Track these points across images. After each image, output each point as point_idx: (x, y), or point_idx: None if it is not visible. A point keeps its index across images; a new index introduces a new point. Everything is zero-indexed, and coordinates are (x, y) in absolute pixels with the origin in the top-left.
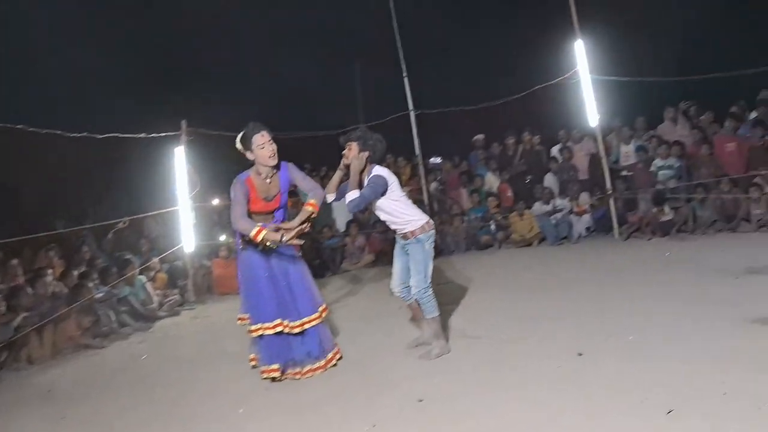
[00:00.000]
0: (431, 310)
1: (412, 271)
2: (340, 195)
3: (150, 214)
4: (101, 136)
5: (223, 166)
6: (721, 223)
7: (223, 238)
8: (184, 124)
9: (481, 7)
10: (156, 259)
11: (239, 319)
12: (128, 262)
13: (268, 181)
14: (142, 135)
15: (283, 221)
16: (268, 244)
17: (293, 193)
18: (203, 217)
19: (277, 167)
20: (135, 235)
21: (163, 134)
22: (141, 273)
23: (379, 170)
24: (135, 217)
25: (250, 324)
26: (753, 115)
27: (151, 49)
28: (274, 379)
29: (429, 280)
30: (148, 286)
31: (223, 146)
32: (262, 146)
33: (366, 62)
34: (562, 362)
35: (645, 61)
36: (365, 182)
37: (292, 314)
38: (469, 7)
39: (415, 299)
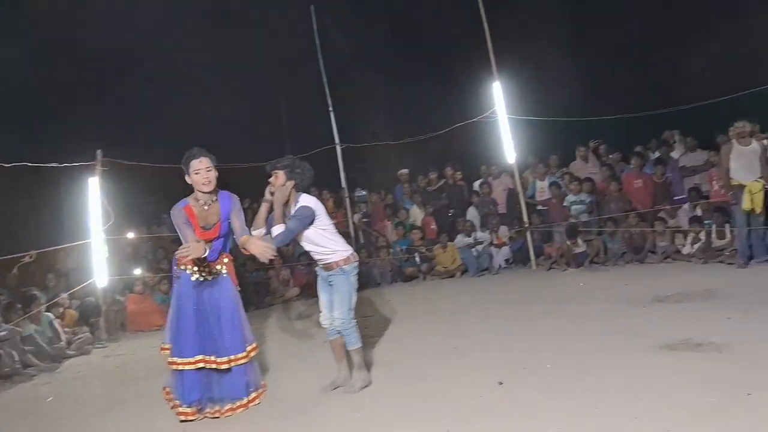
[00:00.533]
0: (354, 342)
1: (335, 303)
2: (269, 227)
3: (60, 247)
4: (9, 165)
5: (139, 198)
6: (630, 255)
7: (138, 272)
8: (99, 153)
9: (406, 47)
10: (65, 295)
11: (162, 348)
12: (34, 297)
13: (206, 208)
14: (54, 164)
15: (221, 251)
16: (196, 272)
17: None
18: (117, 251)
19: (216, 195)
20: (43, 269)
21: (77, 164)
22: (48, 309)
23: (306, 200)
24: (43, 250)
25: (171, 356)
26: (656, 154)
27: (66, 76)
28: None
29: (353, 312)
30: (56, 323)
31: (139, 178)
32: (197, 172)
33: (292, 96)
34: (484, 392)
35: (558, 102)
36: (291, 212)
37: (219, 350)
38: (395, 47)
39: (340, 335)
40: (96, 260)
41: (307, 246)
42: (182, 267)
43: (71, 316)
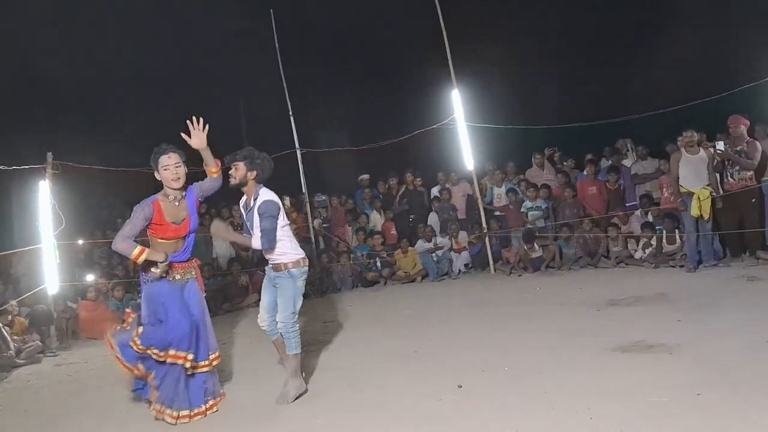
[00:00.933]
0: (294, 347)
1: (279, 307)
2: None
3: (9, 252)
4: None
5: (92, 202)
6: (585, 260)
7: (90, 278)
8: (50, 156)
9: (366, 54)
10: (14, 302)
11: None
12: None
13: (176, 204)
14: (2, 167)
15: (192, 250)
16: (153, 270)
17: None
18: (69, 256)
19: (185, 192)
20: None
21: (26, 167)
22: None
23: (267, 194)
24: None
25: (155, 349)
26: (609, 162)
27: (13, 75)
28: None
29: (296, 317)
30: (4, 331)
31: (92, 181)
32: (166, 167)
33: (251, 100)
34: (443, 395)
35: (515, 110)
36: (251, 204)
37: (200, 353)
38: (355, 53)
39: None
40: (47, 266)
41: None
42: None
43: (20, 324)
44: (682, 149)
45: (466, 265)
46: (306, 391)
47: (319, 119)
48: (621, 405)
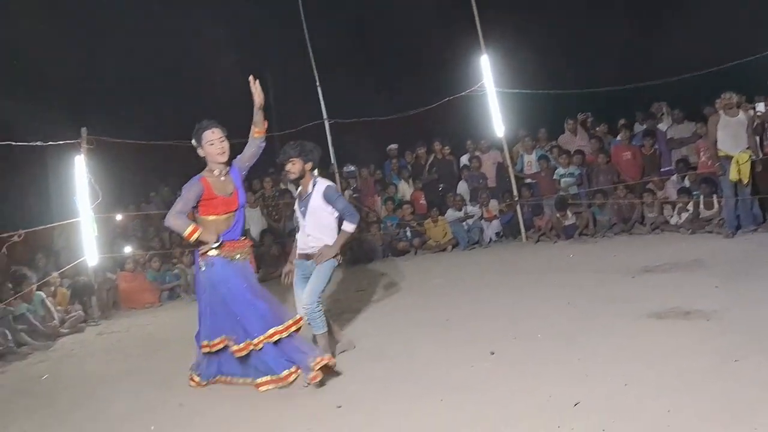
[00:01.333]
0: (320, 327)
1: (309, 286)
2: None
3: (48, 226)
4: None
5: (126, 176)
6: (619, 226)
7: (128, 250)
8: (84, 131)
9: (392, 22)
10: (56, 274)
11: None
12: (24, 277)
13: (222, 178)
14: (38, 143)
15: (243, 227)
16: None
17: None
18: (106, 229)
19: (229, 166)
20: (32, 249)
21: (62, 142)
22: (39, 289)
23: (325, 181)
24: (31, 230)
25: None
26: (644, 126)
27: (48, 53)
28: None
29: (320, 299)
30: (48, 302)
31: (126, 156)
32: (212, 142)
33: (279, 71)
34: (475, 362)
35: (546, 74)
36: (309, 191)
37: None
38: (381, 21)
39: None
40: (86, 239)
41: (313, 228)
42: (212, 254)
43: (63, 295)
44: (721, 112)
45: (497, 234)
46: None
47: (347, 89)
48: (656, 371)
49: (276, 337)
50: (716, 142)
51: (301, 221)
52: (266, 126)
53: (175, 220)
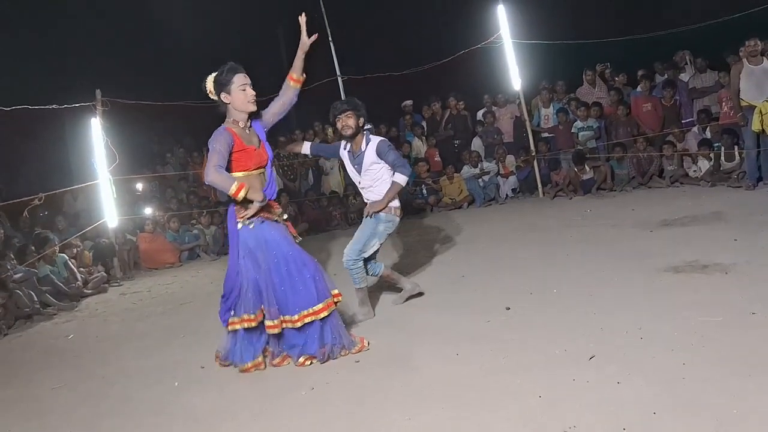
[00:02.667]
0: (358, 282)
1: (353, 239)
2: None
3: (67, 189)
4: (9, 108)
5: (143, 138)
6: (638, 180)
7: (147, 211)
8: (98, 93)
9: None
10: (77, 236)
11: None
12: (47, 239)
13: (247, 131)
14: (53, 106)
15: (276, 185)
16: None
17: None
18: (124, 192)
19: (249, 119)
20: (53, 212)
21: (77, 105)
22: (62, 251)
23: (376, 137)
24: (51, 192)
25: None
26: (665, 76)
27: (60, 16)
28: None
29: (362, 256)
30: (71, 263)
31: (141, 117)
32: (243, 87)
33: (291, 27)
34: (491, 317)
35: (564, 24)
36: (363, 148)
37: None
38: None
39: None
40: (105, 201)
41: (367, 180)
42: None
43: (85, 257)
44: (744, 60)
45: (513, 190)
46: (373, 316)
47: (360, 45)
48: (672, 324)
49: (314, 317)
50: (739, 91)
51: (356, 179)
52: (304, 77)
53: (217, 175)
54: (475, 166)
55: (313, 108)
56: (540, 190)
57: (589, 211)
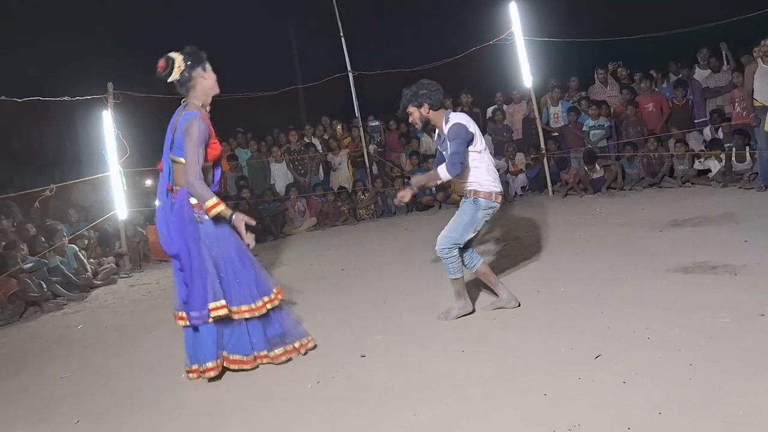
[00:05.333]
0: (453, 272)
1: (447, 226)
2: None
3: (78, 180)
4: (21, 100)
5: (153, 130)
6: (648, 180)
7: (157, 203)
8: (110, 86)
9: None
10: (88, 227)
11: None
12: (57, 230)
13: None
14: (65, 98)
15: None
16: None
17: None
18: (134, 184)
19: None
20: (64, 203)
21: (88, 97)
22: (72, 241)
23: (456, 117)
24: (62, 184)
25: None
26: (679, 75)
27: (73, 7)
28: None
29: (457, 245)
30: (81, 254)
31: (152, 110)
32: (211, 72)
33: (302, 23)
34: (498, 315)
35: (577, 22)
36: (445, 131)
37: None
38: None
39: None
40: (115, 193)
41: None
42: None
43: (95, 248)
44: (759, 60)
45: (523, 188)
46: (473, 311)
47: (371, 41)
48: (680, 325)
49: (265, 308)
50: (753, 92)
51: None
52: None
53: (201, 186)
54: None
55: (323, 103)
56: (549, 188)
57: (598, 210)
